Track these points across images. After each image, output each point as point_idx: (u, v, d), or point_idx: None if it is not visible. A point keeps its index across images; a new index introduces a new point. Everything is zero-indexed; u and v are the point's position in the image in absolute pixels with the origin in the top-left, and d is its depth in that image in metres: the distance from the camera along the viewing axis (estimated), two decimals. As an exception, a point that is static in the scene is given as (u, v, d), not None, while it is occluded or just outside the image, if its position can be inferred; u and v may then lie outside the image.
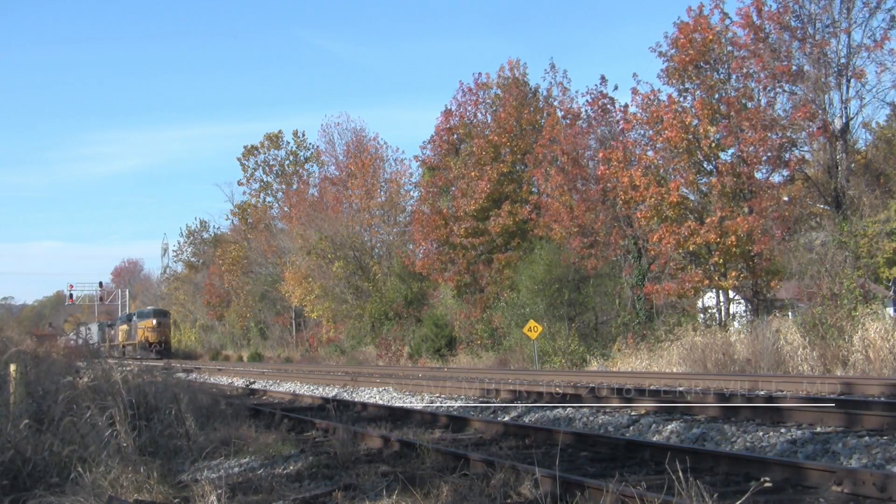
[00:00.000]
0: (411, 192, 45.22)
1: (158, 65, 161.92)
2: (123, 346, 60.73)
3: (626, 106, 28.60)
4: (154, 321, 58.99)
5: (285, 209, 57.60)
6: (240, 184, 65.45)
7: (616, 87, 31.60)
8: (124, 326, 64.30)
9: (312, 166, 62.14)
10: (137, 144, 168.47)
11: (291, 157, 64.04)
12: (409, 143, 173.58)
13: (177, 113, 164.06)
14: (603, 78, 29.55)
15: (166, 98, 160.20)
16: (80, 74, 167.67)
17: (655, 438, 9.48)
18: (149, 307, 66.53)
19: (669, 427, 9.82)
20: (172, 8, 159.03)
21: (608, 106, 29.44)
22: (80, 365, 11.90)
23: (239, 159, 64.42)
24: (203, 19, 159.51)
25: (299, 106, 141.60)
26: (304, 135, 64.09)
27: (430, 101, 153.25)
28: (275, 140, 64.14)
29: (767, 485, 6.28)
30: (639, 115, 27.50)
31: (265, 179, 64.50)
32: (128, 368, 10.57)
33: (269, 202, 64.11)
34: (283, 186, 62.41)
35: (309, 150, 63.26)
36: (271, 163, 64.31)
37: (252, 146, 64.28)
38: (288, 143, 64.25)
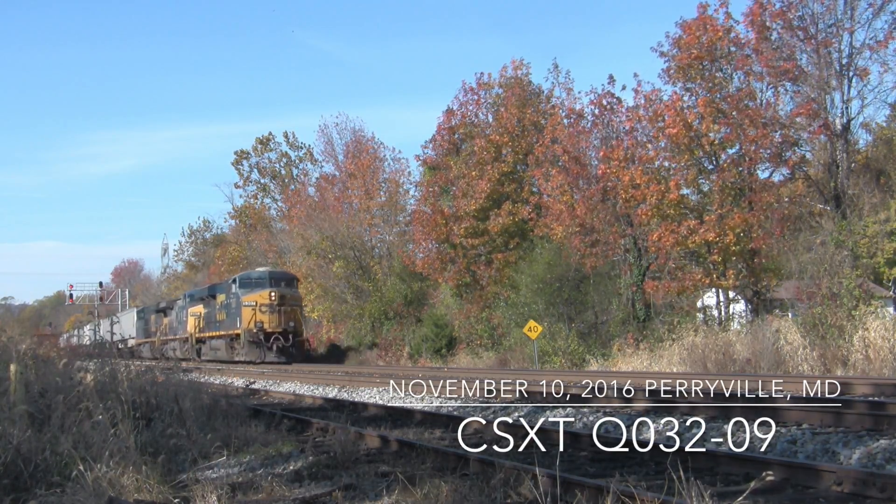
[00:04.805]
0: (411, 192, 45.34)
1: (155, 65, 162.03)
2: (197, 341, 39.77)
3: (634, 107, 28.56)
4: (272, 292, 34.28)
5: (284, 209, 57.57)
6: (237, 186, 65.55)
7: (624, 87, 31.52)
8: (198, 308, 40.18)
9: (305, 164, 62.29)
10: (134, 144, 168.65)
11: (284, 159, 64.08)
12: (410, 144, 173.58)
13: (174, 113, 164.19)
14: (611, 77, 29.52)
15: (163, 98, 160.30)
16: (76, 75, 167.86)
17: (655, 438, 9.49)
18: (260, 268, 40.28)
19: (669, 426, 9.83)
20: (169, 8, 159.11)
21: (614, 105, 29.45)
22: (85, 365, 11.90)
23: (233, 164, 64.69)
24: (200, 20, 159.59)
25: (298, 106, 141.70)
26: (293, 135, 64.25)
27: (430, 101, 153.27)
28: (265, 143, 64.18)
29: (770, 478, 6.27)
30: (641, 112, 27.54)
31: (261, 181, 64.61)
32: (131, 368, 10.58)
33: (266, 203, 64.22)
34: (280, 187, 62.46)
35: (301, 149, 63.34)
36: (265, 165, 64.40)
37: (243, 151, 64.44)
38: (279, 143, 64.38)
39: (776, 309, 26.16)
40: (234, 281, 36.63)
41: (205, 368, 25.99)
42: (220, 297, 37.59)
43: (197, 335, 39.93)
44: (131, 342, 53.96)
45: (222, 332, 36.70)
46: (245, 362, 33.44)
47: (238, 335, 34.54)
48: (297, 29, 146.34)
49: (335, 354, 41.44)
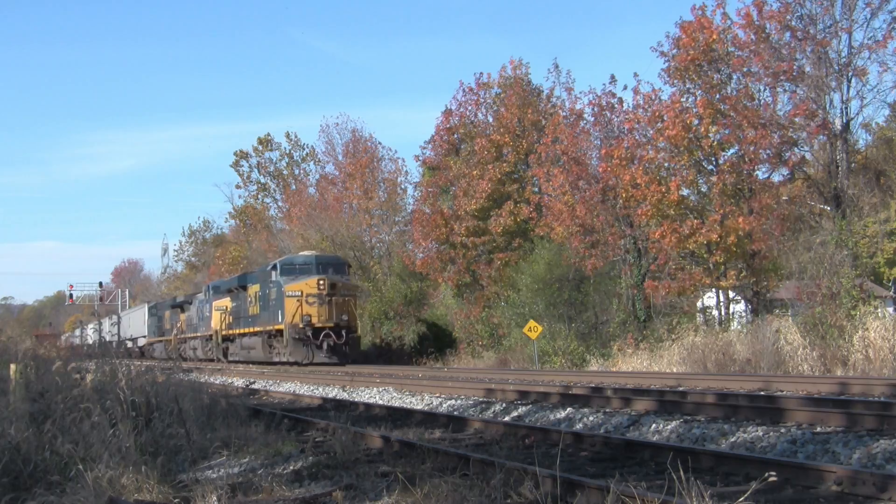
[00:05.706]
0: (409, 192, 45.39)
1: (154, 65, 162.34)
2: (224, 339, 35.01)
3: (634, 108, 28.54)
4: (320, 280, 28.82)
5: (284, 208, 57.59)
6: (237, 187, 65.57)
7: (626, 87, 31.47)
8: (224, 302, 35.52)
9: (309, 164, 62.40)
10: (134, 145, 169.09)
11: (286, 159, 64.13)
12: (410, 144, 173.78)
13: (173, 113, 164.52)
14: (612, 77, 29.53)
15: (162, 98, 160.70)
16: (75, 75, 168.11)
17: (655, 438, 9.48)
18: (305, 252, 33.69)
19: (670, 427, 9.82)
20: (169, 8, 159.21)
21: (615, 105, 29.39)
22: (85, 365, 11.90)
23: (232, 166, 64.81)
24: (200, 20, 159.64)
25: (298, 106, 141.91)
26: (296, 135, 64.31)
27: (430, 101, 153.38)
28: (266, 143, 64.22)
29: (773, 479, 6.26)
30: (640, 113, 27.53)
31: (262, 181, 64.68)
32: (131, 368, 10.57)
33: (266, 203, 64.28)
34: (281, 187, 62.52)
35: (304, 149, 63.42)
36: (265, 165, 64.46)
37: (243, 151, 64.56)
38: (280, 143, 64.41)
39: (776, 309, 26.16)
40: (275, 267, 30.66)
41: (205, 369, 25.36)
42: (254, 288, 32.26)
43: (224, 332, 34.74)
44: (141, 341, 51.75)
45: (257, 328, 31.19)
46: (289, 363, 28.61)
47: (279, 331, 29.08)
48: (297, 29, 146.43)
49: (384, 355, 36.46)
